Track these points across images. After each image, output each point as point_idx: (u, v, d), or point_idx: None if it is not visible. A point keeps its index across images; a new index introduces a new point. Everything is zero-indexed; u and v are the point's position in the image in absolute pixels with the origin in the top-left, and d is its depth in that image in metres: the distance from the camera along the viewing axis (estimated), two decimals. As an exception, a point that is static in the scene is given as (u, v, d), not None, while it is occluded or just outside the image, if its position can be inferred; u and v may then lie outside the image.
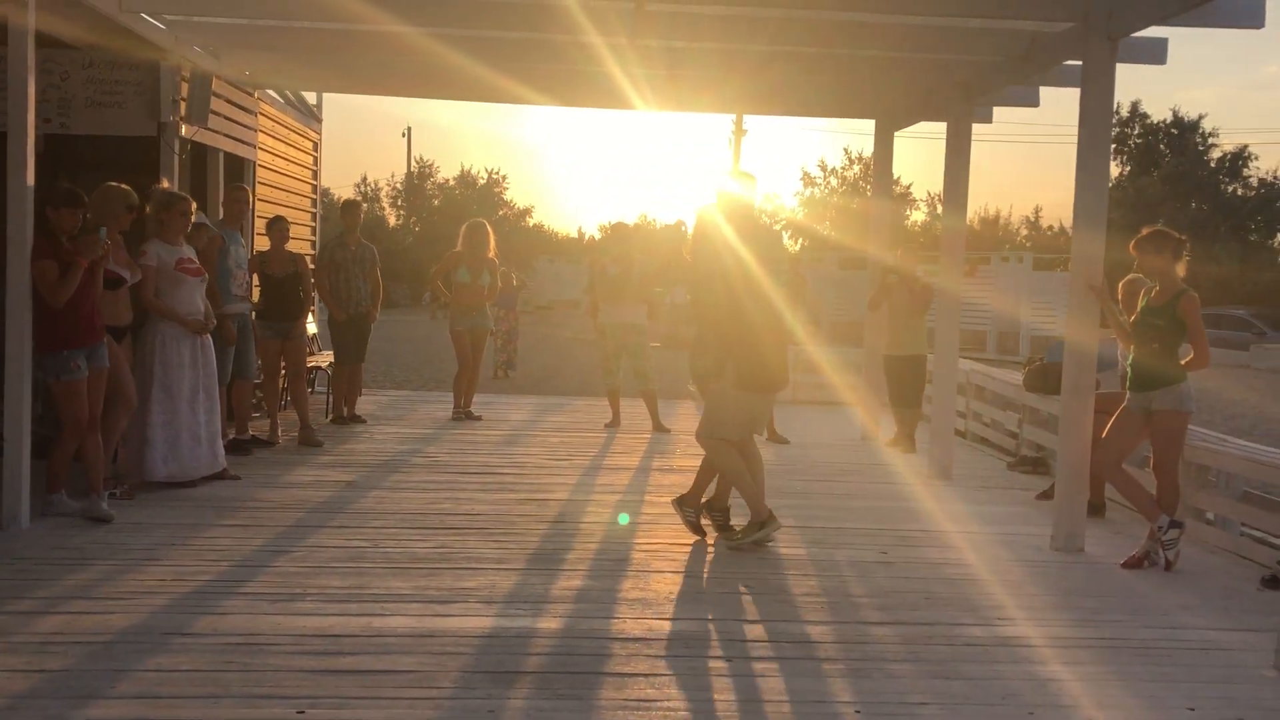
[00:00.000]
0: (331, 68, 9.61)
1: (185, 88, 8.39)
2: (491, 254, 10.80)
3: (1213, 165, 39.47)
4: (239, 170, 9.94)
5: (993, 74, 8.08)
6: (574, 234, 63.91)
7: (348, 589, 5.12)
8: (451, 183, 54.86)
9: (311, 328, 11.36)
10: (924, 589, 5.51)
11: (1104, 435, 6.31)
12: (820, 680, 4.22)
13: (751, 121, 39.29)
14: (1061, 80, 8.13)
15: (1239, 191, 38.93)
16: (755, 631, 4.75)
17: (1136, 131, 40.94)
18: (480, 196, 53.10)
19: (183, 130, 8.40)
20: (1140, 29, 6.24)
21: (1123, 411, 6.26)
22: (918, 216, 47.03)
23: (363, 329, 10.04)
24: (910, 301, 9.82)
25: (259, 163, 10.21)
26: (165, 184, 7.35)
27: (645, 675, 4.19)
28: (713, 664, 4.35)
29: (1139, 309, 6.27)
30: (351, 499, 7.06)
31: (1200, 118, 40.40)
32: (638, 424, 10.66)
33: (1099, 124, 6.37)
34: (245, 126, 9.78)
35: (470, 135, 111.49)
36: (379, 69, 9.64)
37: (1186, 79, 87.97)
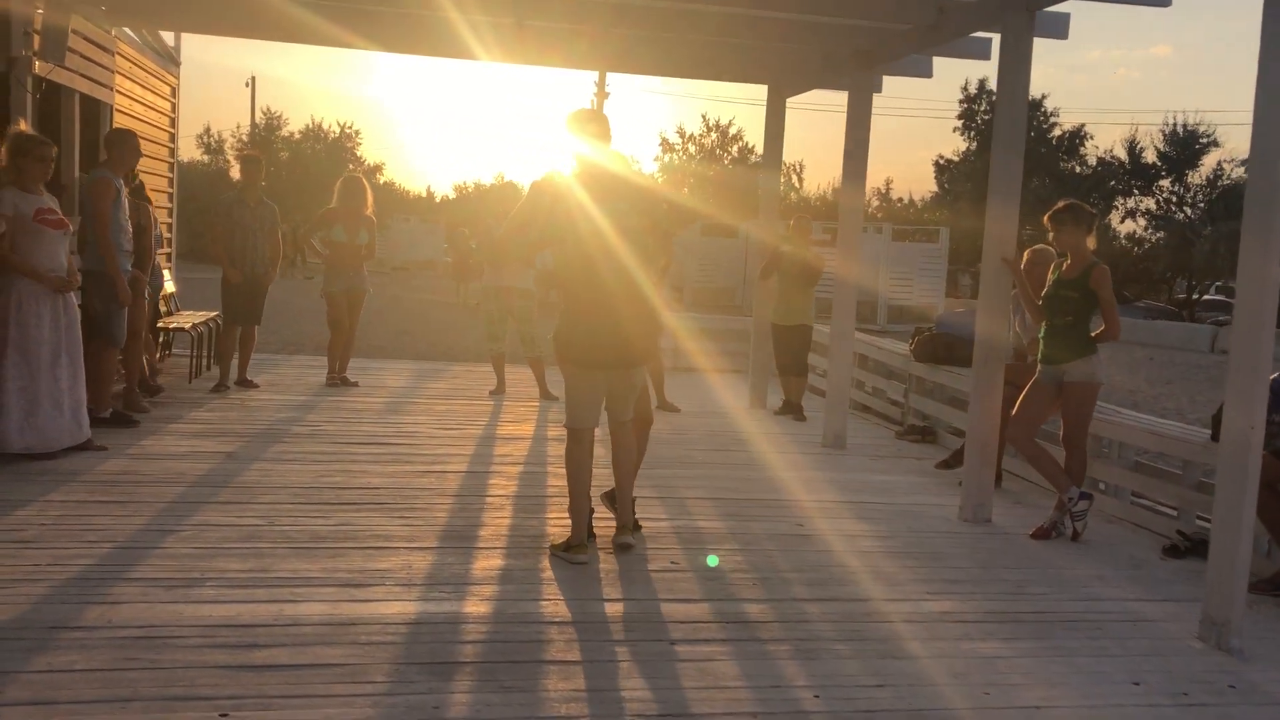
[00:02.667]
0: (168, 5, 8.73)
1: (39, 20, 7.62)
2: (369, 211, 10.29)
3: (1053, 143, 41.06)
4: (95, 114, 9.16)
5: (897, 43, 8.02)
6: (423, 193, 62.56)
7: (249, 572, 4.72)
8: (297, 136, 52.73)
9: (169, 285, 10.66)
10: (848, 563, 5.44)
11: (1015, 408, 6.35)
12: (771, 663, 4.06)
13: (614, 84, 39.03)
14: (958, 52, 8.12)
15: (1077, 169, 40.64)
16: (694, 612, 4.56)
17: (983, 108, 42.22)
18: (330, 150, 51.26)
19: (35, 67, 7.64)
20: (1058, 1, 6.23)
21: (1034, 384, 6.31)
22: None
23: (259, 290, 9.48)
24: (802, 272, 9.79)
25: (116, 107, 9.44)
26: (23, 125, 6.64)
27: (591, 662, 3.96)
28: (659, 647, 4.14)
29: (1051, 281, 6.32)
30: (234, 472, 6.57)
31: (1043, 97, 41.94)
32: (523, 391, 10.37)
33: (1016, 97, 6.37)
34: (103, 67, 9.00)
35: (312, 91, 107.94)
36: (197, 4, 8.72)
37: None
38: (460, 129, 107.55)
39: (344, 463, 6.97)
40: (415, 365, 12.61)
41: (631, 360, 5.31)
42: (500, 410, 9.45)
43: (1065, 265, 6.27)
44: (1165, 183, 38.22)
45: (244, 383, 9.78)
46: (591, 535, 5.38)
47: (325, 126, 52.65)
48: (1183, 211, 37.30)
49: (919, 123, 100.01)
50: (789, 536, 5.87)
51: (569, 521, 5.43)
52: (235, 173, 49.33)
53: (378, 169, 54.28)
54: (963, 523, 6.44)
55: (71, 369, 6.72)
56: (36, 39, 7.62)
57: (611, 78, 38.15)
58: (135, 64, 10.13)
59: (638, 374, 5.40)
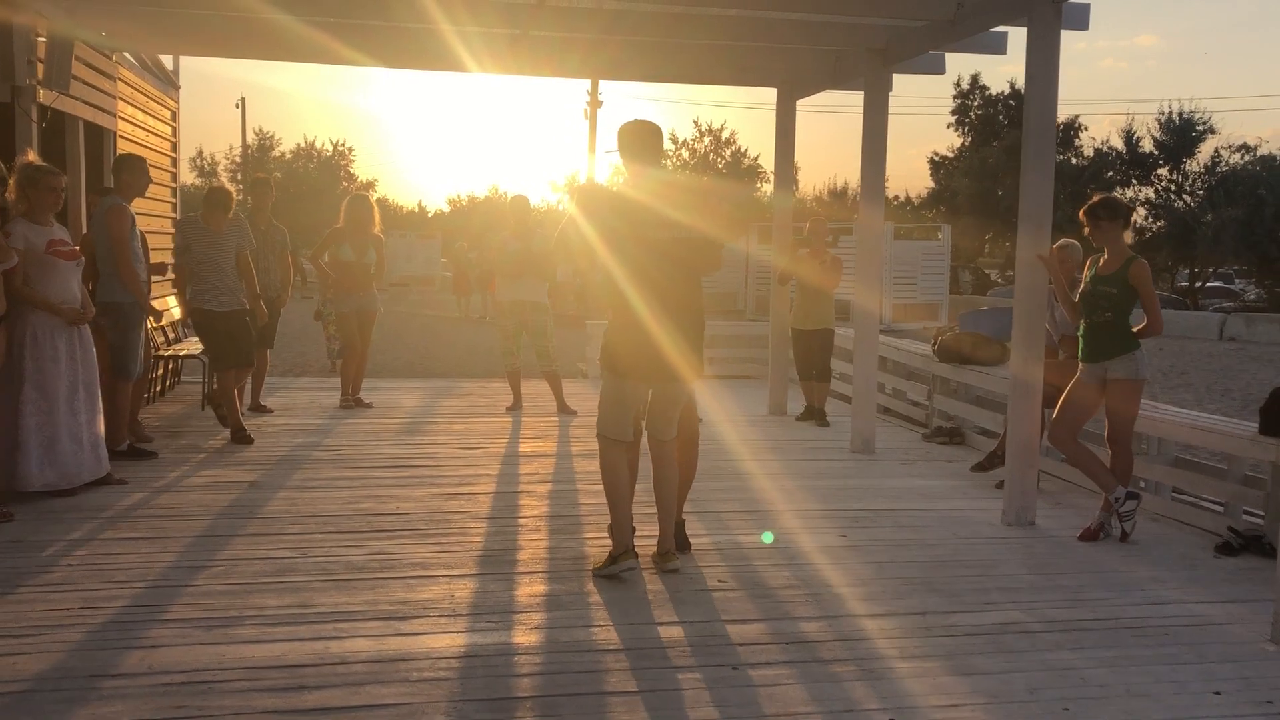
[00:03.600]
0: (168, 28, 8.53)
1: (43, 48, 7.47)
2: (376, 229, 10.14)
3: (1048, 136, 40.99)
4: (98, 141, 9.02)
5: (914, 39, 7.88)
6: (415, 209, 62.56)
7: (288, 608, 4.57)
8: (289, 156, 52.63)
9: (175, 311, 10.52)
10: (899, 574, 5.29)
11: (1057, 408, 6.21)
12: (839, 685, 3.91)
13: (606, 91, 38.88)
14: (974, 47, 8.00)
15: (1073, 160, 40.54)
16: (750, 632, 4.42)
17: (977, 103, 42.18)
18: (322, 169, 51.20)
19: (40, 95, 7.49)
20: (1084, -10, 6.10)
21: (1076, 383, 6.17)
22: (769, 188, 47.48)
23: (271, 314, 9.31)
24: (820, 276, 9.65)
25: (119, 133, 9.29)
26: (31, 156, 6.49)
27: (653, 690, 3.81)
28: (721, 672, 4.00)
29: (1088, 278, 6.18)
30: (259, 502, 6.42)
31: (1036, 90, 41.83)
32: (540, 406, 10.23)
33: (1045, 90, 6.23)
34: (105, 93, 8.85)
35: (307, 104, 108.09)
36: (197, 26, 8.43)
37: (1011, 54, 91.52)
38: (451, 141, 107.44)
39: (370, 488, 6.82)
40: (428, 383, 12.46)
41: (673, 375, 5.13)
42: (520, 427, 9.30)
43: (1102, 261, 6.13)
44: (1163, 171, 38.11)
45: (257, 408, 9.64)
46: (635, 555, 5.23)
47: (319, 145, 52.63)
48: (1182, 199, 37.20)
49: (908, 120, 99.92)
50: (835, 549, 5.72)
51: (608, 540, 5.27)
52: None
53: (370, 185, 54.26)
54: (1007, 526, 6.30)
55: (89, 402, 6.56)
56: (40, 67, 7.48)
57: (604, 85, 38.02)
58: (136, 89, 9.99)
59: (680, 389, 5.23)
